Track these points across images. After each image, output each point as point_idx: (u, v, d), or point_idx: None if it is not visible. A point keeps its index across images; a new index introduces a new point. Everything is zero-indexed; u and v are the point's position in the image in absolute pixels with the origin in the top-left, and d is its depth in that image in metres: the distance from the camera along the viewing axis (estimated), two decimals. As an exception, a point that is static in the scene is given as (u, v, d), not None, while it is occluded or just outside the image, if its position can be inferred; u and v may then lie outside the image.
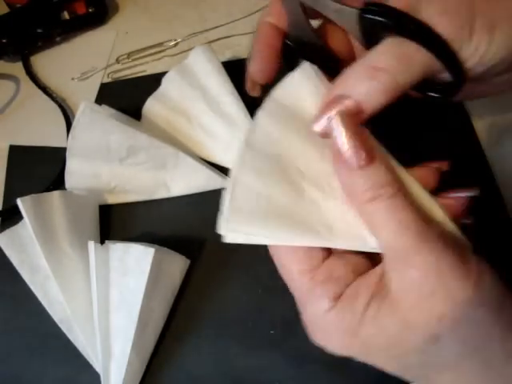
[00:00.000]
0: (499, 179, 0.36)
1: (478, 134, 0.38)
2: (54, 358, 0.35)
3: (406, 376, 0.21)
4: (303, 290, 0.22)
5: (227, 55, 0.46)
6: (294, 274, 0.22)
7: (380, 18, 0.22)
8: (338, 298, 0.21)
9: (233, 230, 0.22)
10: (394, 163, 0.22)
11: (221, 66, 0.40)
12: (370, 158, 0.20)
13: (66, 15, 0.49)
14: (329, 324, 0.21)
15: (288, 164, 0.22)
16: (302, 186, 0.22)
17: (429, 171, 0.23)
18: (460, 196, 0.22)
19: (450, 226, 0.21)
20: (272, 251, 0.23)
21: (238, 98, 0.39)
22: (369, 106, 0.21)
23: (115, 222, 0.39)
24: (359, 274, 0.21)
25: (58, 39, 0.49)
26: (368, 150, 0.20)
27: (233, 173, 0.22)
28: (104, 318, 0.32)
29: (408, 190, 0.21)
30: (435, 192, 0.22)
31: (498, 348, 0.19)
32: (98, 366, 0.33)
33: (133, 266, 0.32)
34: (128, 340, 0.31)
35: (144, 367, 0.33)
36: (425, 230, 0.19)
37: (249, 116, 0.39)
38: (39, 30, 0.47)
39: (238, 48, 0.46)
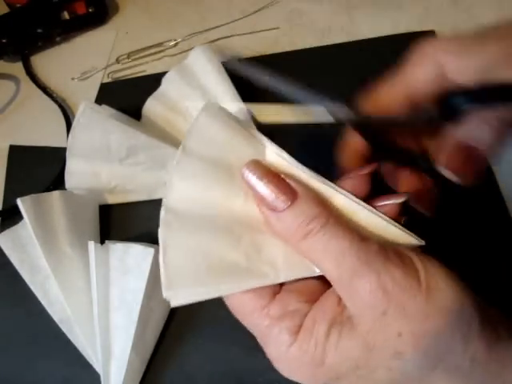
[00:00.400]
0: (499, 179, 0.36)
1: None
2: (54, 358, 0.35)
3: None
4: (261, 328, 0.21)
5: (227, 55, 0.46)
6: (248, 315, 0.22)
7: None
8: (297, 331, 0.20)
9: (174, 296, 0.21)
10: (320, 185, 0.22)
11: (221, 65, 0.40)
12: (292, 197, 0.20)
13: (66, 15, 0.49)
14: (293, 358, 0.21)
15: (218, 212, 0.22)
16: (236, 231, 0.22)
17: (359, 180, 0.23)
18: (389, 203, 0.22)
19: (392, 231, 0.21)
20: (223, 298, 0.23)
21: (238, 98, 0.39)
22: None
23: (115, 221, 0.39)
24: (314, 301, 0.21)
25: (57, 39, 0.49)
26: (288, 190, 0.20)
27: (160, 237, 0.22)
28: (104, 317, 0.32)
29: (340, 213, 0.21)
30: (368, 199, 0.22)
31: (460, 354, 0.19)
32: (97, 366, 0.33)
33: (133, 265, 0.32)
34: (128, 340, 0.31)
35: (144, 367, 0.33)
36: (362, 250, 0.19)
37: (249, 116, 0.39)
38: (39, 30, 0.47)
39: (238, 48, 0.46)
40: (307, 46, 0.45)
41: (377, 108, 0.25)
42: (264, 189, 0.21)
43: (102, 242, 0.33)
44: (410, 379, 0.20)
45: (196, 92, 0.40)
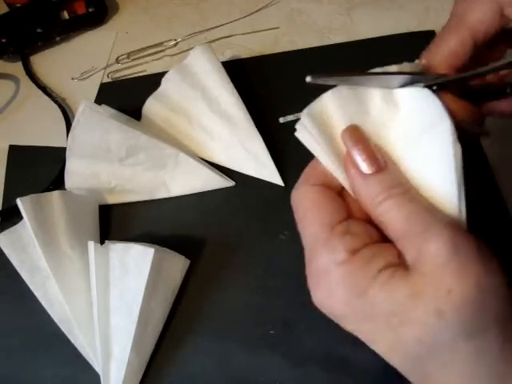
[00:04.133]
0: (499, 179, 0.36)
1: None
2: (54, 358, 0.35)
3: (393, 355, 0.21)
4: (319, 238, 0.21)
5: (227, 55, 0.46)
6: (314, 221, 0.22)
7: None
8: (354, 253, 0.21)
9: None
10: (406, 166, 0.23)
11: (221, 65, 0.40)
12: (381, 166, 0.22)
13: (65, 15, 0.49)
14: (337, 277, 0.21)
15: None
16: None
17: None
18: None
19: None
20: (297, 197, 0.23)
21: (238, 97, 0.39)
22: None
23: (115, 221, 0.39)
24: (376, 242, 0.22)
25: (57, 39, 0.49)
26: (378, 159, 0.22)
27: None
28: (104, 318, 0.32)
29: (418, 193, 0.22)
30: None
31: (495, 336, 0.19)
32: (97, 366, 0.33)
33: (133, 266, 0.32)
34: (128, 340, 0.31)
35: (144, 367, 0.33)
36: (435, 216, 0.20)
37: (249, 116, 0.39)
38: (39, 30, 0.47)
39: (238, 48, 0.46)
40: (307, 46, 0.45)
41: (445, 57, 0.25)
42: (358, 152, 0.22)
43: (102, 242, 0.33)
44: (438, 345, 0.20)
45: (196, 92, 0.40)
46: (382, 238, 0.22)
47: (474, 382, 0.20)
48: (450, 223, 0.20)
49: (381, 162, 0.22)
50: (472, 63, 0.25)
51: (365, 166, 0.22)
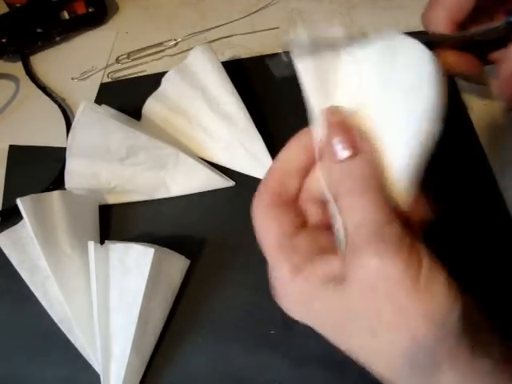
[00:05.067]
0: (499, 179, 0.36)
1: (478, 134, 0.38)
2: (54, 358, 0.35)
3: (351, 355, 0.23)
4: (269, 256, 0.23)
5: (227, 55, 0.46)
6: (264, 240, 0.23)
7: None
8: (296, 273, 0.22)
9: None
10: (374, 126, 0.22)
11: (221, 65, 0.40)
12: (355, 151, 0.21)
13: (65, 15, 0.49)
14: (285, 293, 0.23)
15: None
16: None
17: None
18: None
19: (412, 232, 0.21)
20: (253, 215, 0.24)
21: (238, 97, 0.39)
22: None
23: (115, 221, 0.39)
24: (324, 249, 0.23)
25: (57, 39, 0.49)
26: (353, 144, 0.21)
27: None
28: (104, 318, 0.32)
29: (385, 187, 0.22)
30: None
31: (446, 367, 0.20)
32: (97, 366, 0.33)
33: (133, 266, 0.32)
34: (128, 340, 0.31)
35: (144, 367, 0.33)
36: (385, 229, 0.20)
37: (249, 116, 0.39)
38: (39, 30, 0.47)
39: (237, 48, 0.46)
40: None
41: (448, 10, 0.26)
42: (335, 136, 0.22)
43: (102, 242, 0.33)
44: (377, 360, 0.21)
45: (196, 92, 0.40)
46: (330, 242, 0.23)
47: None
48: (390, 240, 0.20)
49: (356, 148, 0.21)
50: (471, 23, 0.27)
51: (340, 151, 0.21)
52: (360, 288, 0.21)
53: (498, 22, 0.25)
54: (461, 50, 0.27)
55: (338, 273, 0.21)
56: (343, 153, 0.21)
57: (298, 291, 0.22)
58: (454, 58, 0.26)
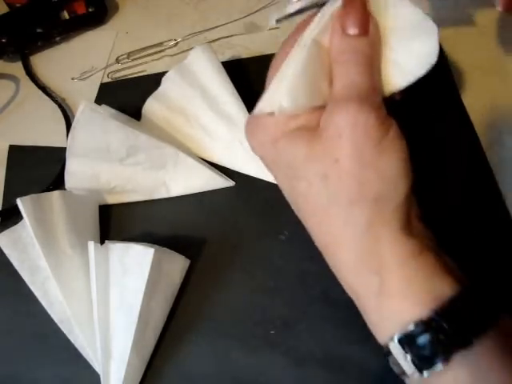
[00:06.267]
0: (499, 179, 0.36)
1: (478, 134, 0.38)
2: (54, 358, 0.35)
3: (289, 199, 0.25)
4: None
5: (227, 55, 0.46)
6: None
7: None
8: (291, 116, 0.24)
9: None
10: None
11: (221, 65, 0.40)
12: (363, 32, 0.23)
13: (65, 15, 0.49)
14: (263, 124, 0.25)
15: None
16: None
17: None
18: None
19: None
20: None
21: (238, 97, 0.39)
22: None
23: (115, 222, 0.39)
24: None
25: (57, 39, 0.49)
26: (365, 25, 0.24)
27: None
28: (104, 318, 0.32)
29: (379, 71, 0.24)
30: None
31: (362, 212, 0.22)
32: (97, 366, 0.33)
33: (133, 266, 0.32)
34: (128, 340, 0.31)
35: (144, 367, 0.33)
36: (368, 93, 0.22)
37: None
38: (39, 30, 0.47)
39: (238, 48, 0.46)
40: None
41: None
42: (350, 11, 0.24)
43: (102, 242, 0.33)
44: (318, 204, 0.23)
45: (196, 92, 0.40)
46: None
47: (337, 241, 0.23)
48: (369, 103, 0.22)
49: (366, 29, 0.23)
50: None
51: (351, 27, 0.23)
52: (327, 133, 0.22)
53: None
54: None
55: (314, 125, 0.23)
56: (354, 30, 0.23)
57: (274, 125, 0.24)
58: None
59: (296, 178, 0.23)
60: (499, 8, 0.33)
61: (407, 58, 0.24)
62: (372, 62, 0.23)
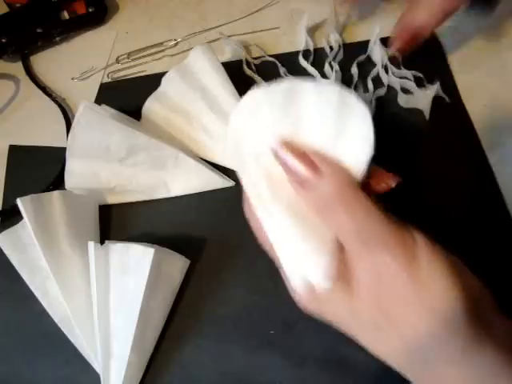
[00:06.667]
0: (499, 179, 0.36)
1: (478, 134, 0.38)
2: (54, 358, 0.35)
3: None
4: None
5: (227, 55, 0.46)
6: None
7: None
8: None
9: None
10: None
11: (221, 65, 0.40)
12: (317, 176, 0.23)
13: (65, 15, 0.49)
14: (327, 304, 0.24)
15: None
16: None
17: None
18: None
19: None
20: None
21: (238, 98, 0.39)
22: None
23: (115, 222, 0.39)
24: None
25: (57, 39, 0.49)
26: (313, 168, 0.23)
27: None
28: (104, 318, 0.32)
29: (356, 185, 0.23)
30: None
31: (449, 347, 0.20)
32: (97, 366, 0.33)
33: (133, 266, 0.32)
34: (128, 340, 0.31)
35: (144, 367, 0.33)
36: (366, 230, 0.21)
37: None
38: (39, 30, 0.47)
39: (238, 48, 0.46)
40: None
41: None
42: (295, 167, 0.23)
43: (102, 242, 0.33)
44: (386, 350, 0.22)
45: (196, 92, 0.40)
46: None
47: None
48: (377, 236, 0.21)
49: (317, 169, 0.23)
50: None
51: (305, 176, 0.23)
52: (360, 289, 0.21)
53: None
54: None
55: (338, 272, 0.23)
56: (309, 177, 0.23)
57: (336, 303, 0.23)
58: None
59: (354, 332, 0.23)
60: (392, 48, 0.38)
61: (352, 146, 0.23)
62: (343, 190, 0.22)
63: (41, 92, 0.46)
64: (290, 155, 0.23)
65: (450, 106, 0.39)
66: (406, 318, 0.20)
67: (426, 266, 0.20)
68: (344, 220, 0.22)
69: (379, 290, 0.21)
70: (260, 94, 0.25)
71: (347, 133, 0.23)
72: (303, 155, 0.23)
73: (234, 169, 0.25)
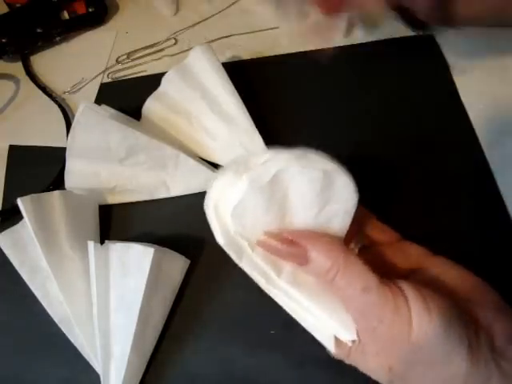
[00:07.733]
0: (499, 179, 0.36)
1: (477, 134, 0.38)
2: (54, 358, 0.35)
3: None
4: None
5: (227, 55, 0.46)
6: None
7: None
8: None
9: None
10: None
11: (221, 65, 0.40)
12: (306, 257, 0.24)
13: (65, 15, 0.49)
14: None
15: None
16: None
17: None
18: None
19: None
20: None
21: (238, 97, 0.39)
22: None
23: (115, 221, 0.39)
24: None
25: (57, 39, 0.49)
26: (299, 251, 0.24)
27: None
28: (104, 318, 0.32)
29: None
30: None
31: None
32: (97, 366, 0.33)
33: (133, 266, 0.32)
34: (128, 340, 0.31)
35: (144, 367, 0.33)
36: (362, 302, 0.23)
37: (249, 116, 0.39)
38: (39, 30, 0.47)
39: (238, 48, 0.46)
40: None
41: None
42: (287, 253, 0.24)
43: (102, 242, 0.33)
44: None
45: (196, 92, 0.40)
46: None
47: None
48: (372, 307, 0.22)
49: (304, 257, 0.24)
50: None
51: (298, 260, 0.24)
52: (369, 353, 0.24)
53: None
54: None
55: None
56: (301, 262, 0.24)
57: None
58: None
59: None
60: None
61: (336, 212, 0.24)
62: (339, 263, 0.23)
63: (41, 92, 0.46)
64: (279, 245, 0.24)
65: (450, 107, 0.39)
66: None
67: (421, 331, 0.21)
68: (347, 296, 0.23)
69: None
70: (244, 185, 0.25)
71: (331, 204, 0.24)
72: (291, 243, 0.24)
73: (230, 255, 0.26)
